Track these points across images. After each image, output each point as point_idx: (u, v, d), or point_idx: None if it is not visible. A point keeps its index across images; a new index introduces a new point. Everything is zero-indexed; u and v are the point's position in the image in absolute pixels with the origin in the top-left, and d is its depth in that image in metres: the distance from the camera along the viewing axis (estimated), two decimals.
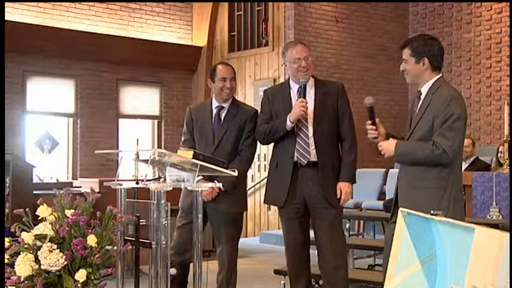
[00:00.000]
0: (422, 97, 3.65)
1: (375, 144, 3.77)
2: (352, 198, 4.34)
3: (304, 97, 4.12)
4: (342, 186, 4.16)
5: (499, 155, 7.81)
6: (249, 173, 10.13)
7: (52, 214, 3.50)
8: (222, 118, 4.46)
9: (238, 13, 11.03)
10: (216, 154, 4.24)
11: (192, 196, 3.74)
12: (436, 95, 3.56)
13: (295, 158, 4.15)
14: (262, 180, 10.17)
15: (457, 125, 3.51)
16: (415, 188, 3.61)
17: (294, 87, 4.26)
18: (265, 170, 10.07)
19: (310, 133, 4.15)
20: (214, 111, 4.49)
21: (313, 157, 4.13)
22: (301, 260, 4.30)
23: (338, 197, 4.16)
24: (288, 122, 4.11)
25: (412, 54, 3.62)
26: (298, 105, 4.08)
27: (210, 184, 3.90)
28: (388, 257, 3.80)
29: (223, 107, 4.48)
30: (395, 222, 3.90)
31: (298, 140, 4.16)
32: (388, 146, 3.67)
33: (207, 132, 4.45)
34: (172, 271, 3.69)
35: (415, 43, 3.64)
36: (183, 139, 4.58)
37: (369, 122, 3.74)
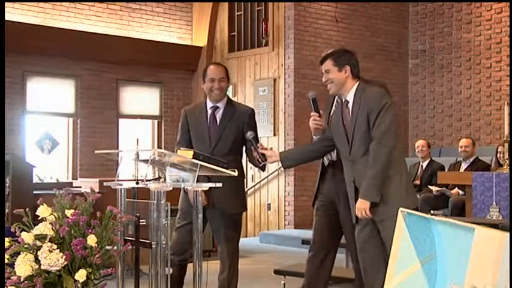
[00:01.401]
0: (350, 105, 3.83)
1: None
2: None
3: (315, 110, 4.15)
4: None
5: (498, 155, 7.80)
6: (249, 173, 10.13)
7: (52, 214, 3.50)
8: (218, 118, 4.44)
9: (238, 13, 11.03)
10: (214, 155, 4.21)
11: (192, 196, 3.74)
12: (365, 96, 3.77)
13: (324, 159, 4.26)
14: (262, 180, 10.18)
15: (388, 114, 3.70)
16: None
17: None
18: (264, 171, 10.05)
19: None
20: (209, 111, 4.47)
21: (334, 156, 4.19)
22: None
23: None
24: (313, 136, 4.22)
25: (334, 64, 3.84)
26: (311, 119, 4.16)
27: (210, 184, 3.90)
28: (369, 265, 3.81)
29: (218, 107, 4.46)
30: (368, 224, 3.85)
31: None
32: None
33: (202, 133, 4.44)
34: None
35: (335, 54, 3.85)
36: (177, 140, 4.56)
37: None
